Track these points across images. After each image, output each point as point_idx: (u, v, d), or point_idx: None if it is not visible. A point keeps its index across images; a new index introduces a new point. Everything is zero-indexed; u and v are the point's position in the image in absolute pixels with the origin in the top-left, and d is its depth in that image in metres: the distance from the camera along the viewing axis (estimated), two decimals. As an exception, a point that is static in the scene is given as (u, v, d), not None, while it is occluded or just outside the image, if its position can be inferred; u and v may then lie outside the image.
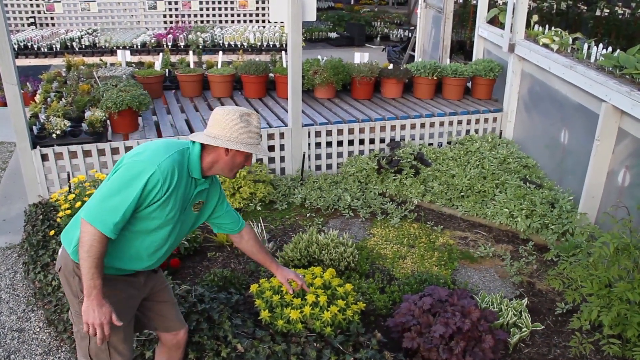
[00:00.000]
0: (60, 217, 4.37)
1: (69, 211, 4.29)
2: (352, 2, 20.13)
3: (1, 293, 4.16)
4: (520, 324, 3.48)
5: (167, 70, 7.08)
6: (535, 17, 6.29)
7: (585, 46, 5.09)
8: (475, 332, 3.17)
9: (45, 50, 9.32)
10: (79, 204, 4.32)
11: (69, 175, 4.98)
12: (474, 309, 3.25)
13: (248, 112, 2.42)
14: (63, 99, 5.74)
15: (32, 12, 11.44)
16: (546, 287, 4.04)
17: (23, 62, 9.14)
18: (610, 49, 4.90)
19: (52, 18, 11.53)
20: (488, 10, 7.07)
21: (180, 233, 2.49)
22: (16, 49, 9.09)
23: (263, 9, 11.65)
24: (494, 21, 6.97)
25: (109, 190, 2.18)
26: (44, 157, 4.92)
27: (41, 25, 11.47)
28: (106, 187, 2.20)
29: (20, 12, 11.41)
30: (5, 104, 6.11)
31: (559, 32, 5.61)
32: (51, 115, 5.12)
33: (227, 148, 2.36)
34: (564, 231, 4.45)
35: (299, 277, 3.05)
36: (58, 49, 9.28)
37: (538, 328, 3.52)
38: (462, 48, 10.22)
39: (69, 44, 9.40)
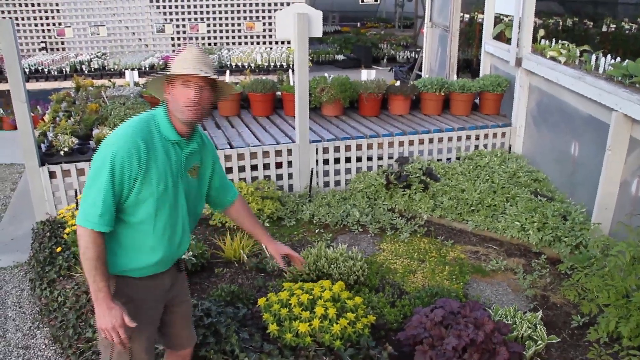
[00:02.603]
0: (67, 234, 4.35)
1: (75, 227, 4.27)
2: (358, 26, 20.32)
3: (7, 310, 4.12)
4: (535, 337, 3.38)
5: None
6: (541, 32, 6.29)
7: (593, 57, 5.07)
8: (489, 345, 3.08)
9: (56, 73, 9.45)
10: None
11: (76, 192, 4.98)
12: (487, 321, 3.17)
13: (192, 46, 2.32)
14: (71, 117, 5.78)
15: (44, 37, 11.65)
16: (561, 300, 3.95)
17: (34, 85, 9.27)
18: (618, 59, 4.87)
19: (62, 42, 11.72)
20: (494, 27, 7.09)
21: (191, 206, 2.40)
22: (27, 73, 9.22)
23: (270, 31, 11.78)
24: (501, 37, 6.99)
25: (85, 189, 2.16)
26: (52, 175, 4.93)
27: (52, 49, 11.66)
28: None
29: (32, 37, 11.61)
30: (15, 127, 6.16)
31: (566, 45, 5.60)
32: (59, 133, 5.15)
33: (168, 88, 2.26)
34: (577, 243, 4.36)
35: (294, 252, 2.75)
36: (68, 72, 9.42)
37: (554, 341, 3.42)
38: (468, 66, 10.24)
39: (78, 67, 9.53)
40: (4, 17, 10.93)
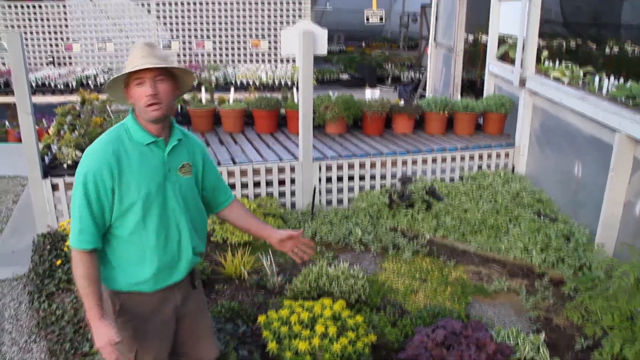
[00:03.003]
0: (68, 247, 4.34)
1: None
2: (363, 45, 20.45)
3: (4, 323, 4.09)
4: (538, 359, 3.33)
5: (179, 105, 7.15)
6: (545, 53, 6.31)
7: (597, 79, 5.07)
8: (491, 366, 3.04)
9: (62, 87, 9.52)
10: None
11: (78, 206, 4.97)
12: (489, 341, 3.12)
13: (139, 42, 2.25)
14: (76, 131, 5.80)
15: (52, 51, 11.76)
16: (564, 322, 3.89)
17: (40, 98, 9.34)
18: (622, 80, 4.88)
19: (70, 57, 11.83)
20: (498, 47, 7.12)
21: (188, 206, 2.34)
22: (34, 86, 9.29)
23: (275, 49, 11.87)
24: (505, 57, 7.01)
25: (71, 208, 2.21)
26: (54, 187, 4.92)
27: (59, 64, 11.77)
28: None
29: (40, 51, 11.73)
30: (20, 140, 6.17)
31: (570, 66, 5.62)
32: (63, 145, 5.16)
33: (125, 90, 2.23)
34: (580, 265, 4.32)
35: (294, 232, 2.61)
36: (74, 86, 9.48)
37: (557, 363, 3.37)
38: (472, 87, 10.25)
39: (84, 82, 9.61)
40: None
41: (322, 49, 5.27)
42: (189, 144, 2.41)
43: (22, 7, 11.57)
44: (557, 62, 5.94)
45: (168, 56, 2.26)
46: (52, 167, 5.06)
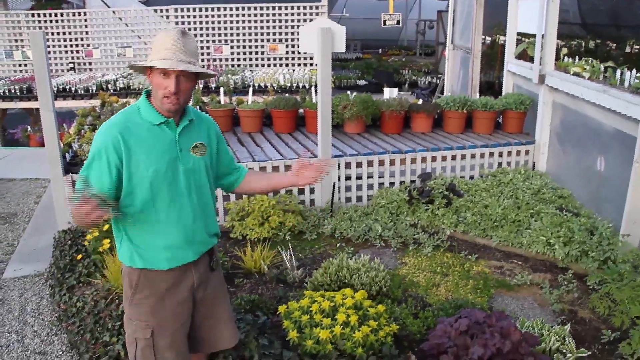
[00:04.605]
0: (88, 242, 4.37)
1: (96, 234, 4.29)
2: (380, 52, 20.47)
3: (27, 317, 4.13)
4: (564, 350, 3.26)
5: (197, 106, 7.20)
6: (564, 50, 6.25)
7: (618, 72, 5.00)
8: (517, 355, 2.97)
9: (82, 92, 9.65)
10: (106, 227, 4.32)
11: (99, 202, 5.01)
12: (513, 331, 3.06)
13: (173, 29, 2.25)
14: (96, 130, 5.86)
15: (72, 57, 11.96)
16: (589, 315, 3.81)
17: (61, 103, 9.46)
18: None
19: (90, 63, 12.02)
20: (516, 46, 7.07)
21: (200, 188, 2.36)
22: (55, 92, 9.43)
23: (293, 52, 11.91)
24: (523, 56, 6.95)
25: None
26: (75, 184, 4.96)
27: (80, 70, 11.95)
28: None
29: (61, 57, 11.94)
30: (42, 145, 6.26)
31: (590, 62, 5.55)
32: (84, 143, 5.22)
33: (148, 72, 2.23)
34: (605, 258, 4.23)
35: (300, 163, 2.57)
36: (94, 91, 9.61)
37: (584, 354, 3.29)
38: (490, 88, 10.18)
39: (104, 86, 9.73)
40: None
41: (341, 46, 5.28)
42: (202, 124, 2.43)
43: (44, 15, 11.80)
44: (577, 59, 5.87)
45: (197, 50, 2.27)
46: (72, 165, 5.11)
